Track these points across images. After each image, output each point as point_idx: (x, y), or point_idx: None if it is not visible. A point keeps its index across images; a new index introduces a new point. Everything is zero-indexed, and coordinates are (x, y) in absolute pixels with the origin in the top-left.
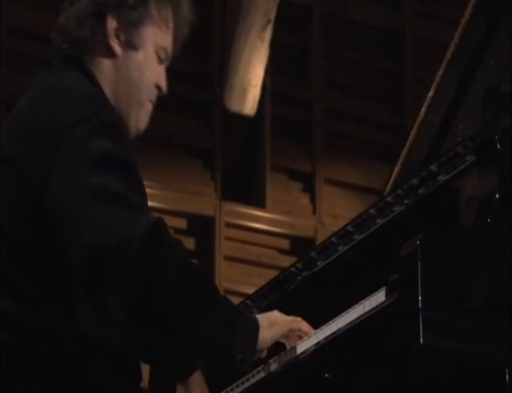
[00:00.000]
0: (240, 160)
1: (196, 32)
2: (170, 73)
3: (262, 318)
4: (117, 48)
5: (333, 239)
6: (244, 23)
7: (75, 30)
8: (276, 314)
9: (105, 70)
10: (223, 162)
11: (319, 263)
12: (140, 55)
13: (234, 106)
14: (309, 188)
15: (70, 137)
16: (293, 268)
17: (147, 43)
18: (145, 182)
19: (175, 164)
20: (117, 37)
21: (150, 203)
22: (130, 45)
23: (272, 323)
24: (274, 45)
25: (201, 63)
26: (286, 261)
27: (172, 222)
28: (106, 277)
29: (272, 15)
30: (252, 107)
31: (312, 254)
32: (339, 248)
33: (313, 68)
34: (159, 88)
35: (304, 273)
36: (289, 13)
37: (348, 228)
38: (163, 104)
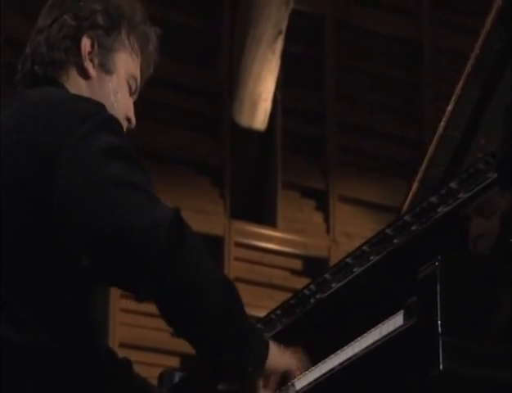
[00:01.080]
0: (250, 176)
1: (204, 43)
2: (177, 86)
3: (273, 344)
4: (91, 70)
5: (348, 260)
6: (255, 34)
7: (48, 53)
8: (284, 348)
9: (79, 90)
10: (232, 179)
11: (333, 285)
12: (113, 79)
13: (244, 120)
14: (322, 206)
15: (74, 135)
16: (306, 291)
17: (120, 69)
18: None
19: (181, 181)
20: (91, 60)
21: None
22: (104, 69)
23: (282, 352)
24: (285, 56)
25: (210, 75)
26: (299, 283)
27: None
28: (135, 263)
29: (284, 26)
30: (262, 121)
31: (326, 275)
32: (355, 269)
33: (326, 80)
34: (128, 119)
35: (318, 296)
36: (301, 23)
37: (364, 248)
38: (168, 118)
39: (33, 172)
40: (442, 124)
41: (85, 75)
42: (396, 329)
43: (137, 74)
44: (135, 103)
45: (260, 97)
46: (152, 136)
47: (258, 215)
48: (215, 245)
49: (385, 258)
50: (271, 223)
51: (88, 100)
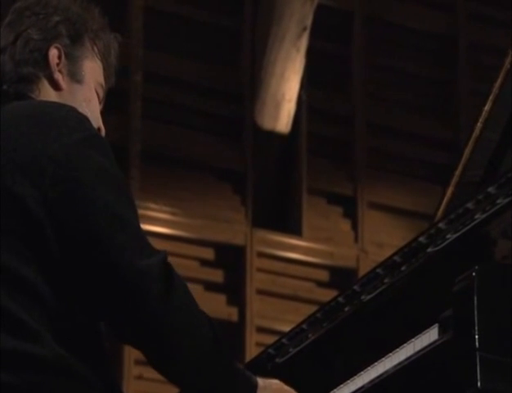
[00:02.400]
0: (274, 182)
1: (224, 41)
2: (195, 87)
3: (263, 383)
4: (61, 81)
5: (378, 270)
6: (278, 31)
7: (15, 70)
8: (275, 382)
9: None
10: (255, 185)
11: (363, 297)
12: (84, 88)
13: (266, 122)
14: (350, 213)
15: (62, 152)
16: (333, 303)
17: (88, 78)
18: (168, 208)
19: (201, 188)
20: (60, 71)
21: (173, 231)
22: (74, 78)
23: (267, 386)
24: (310, 55)
25: (230, 76)
26: (325, 295)
27: (198, 252)
28: (121, 308)
29: (308, 22)
30: (286, 124)
31: (355, 287)
32: (385, 280)
33: (354, 79)
34: (99, 129)
35: (346, 309)
36: (327, 19)
37: (395, 257)
38: (187, 121)
39: (21, 184)
40: (479, 124)
41: (56, 87)
42: (430, 344)
43: (103, 81)
44: (154, 105)
45: (283, 97)
46: (167, 140)
47: (282, 224)
48: (236, 255)
49: (418, 268)
50: (296, 231)
51: (72, 112)
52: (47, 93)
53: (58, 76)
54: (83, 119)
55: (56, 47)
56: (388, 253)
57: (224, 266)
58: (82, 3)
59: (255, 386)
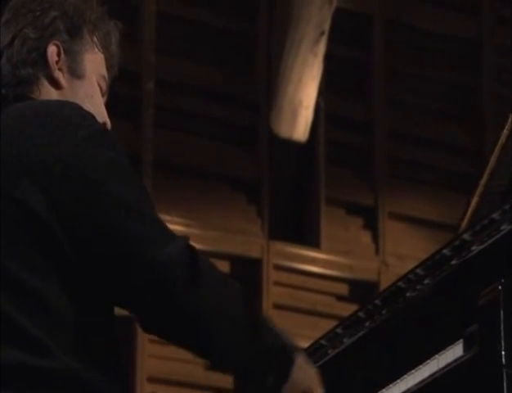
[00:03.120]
0: (291, 192)
1: (239, 46)
2: (209, 94)
3: (299, 356)
4: (62, 79)
5: (400, 284)
6: (295, 35)
7: (14, 73)
8: (311, 368)
9: None
10: (271, 196)
11: (384, 311)
12: (86, 83)
13: (283, 130)
14: (371, 224)
15: (72, 149)
16: (353, 318)
17: (89, 72)
18: (181, 220)
19: (215, 198)
20: (60, 69)
21: None
22: (75, 75)
23: (302, 368)
24: (328, 60)
25: (245, 82)
26: (345, 309)
27: None
28: (153, 299)
29: (326, 26)
30: (303, 132)
31: (376, 301)
32: (408, 294)
33: (374, 85)
34: (104, 123)
35: (367, 324)
36: (345, 23)
37: (418, 270)
38: (200, 130)
39: (26, 189)
40: (505, 131)
41: (57, 86)
42: (455, 360)
43: (105, 72)
44: (167, 113)
45: (301, 104)
46: (181, 149)
47: (300, 235)
48: (252, 268)
49: (442, 281)
50: (314, 243)
51: (76, 109)
52: (48, 93)
53: (58, 74)
54: (87, 115)
55: (55, 44)
56: (410, 266)
57: (240, 279)
58: None
59: (292, 362)
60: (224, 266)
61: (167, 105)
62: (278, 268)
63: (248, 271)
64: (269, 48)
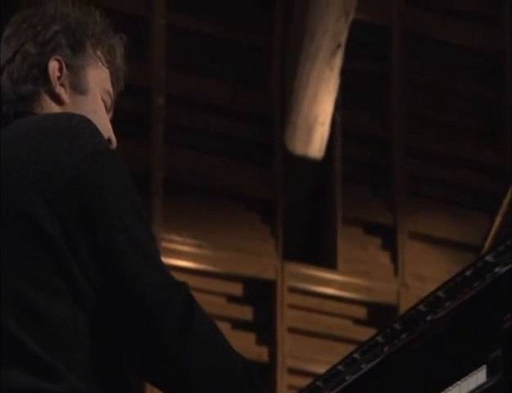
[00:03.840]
0: (306, 211)
1: (252, 61)
2: (221, 110)
3: None
4: (64, 95)
5: (420, 307)
6: (310, 48)
7: (14, 90)
8: None
9: None
10: (285, 215)
11: (404, 336)
12: (89, 99)
13: (298, 147)
14: (390, 244)
15: (80, 167)
16: (371, 342)
17: (93, 87)
18: (193, 241)
19: (228, 218)
20: (62, 84)
21: (198, 265)
22: (77, 90)
23: None
24: (345, 74)
25: (258, 98)
26: (363, 333)
27: (225, 287)
28: (146, 343)
29: (343, 39)
30: (319, 149)
31: (396, 325)
32: (428, 318)
33: (392, 100)
34: (109, 140)
35: (386, 348)
36: (362, 35)
37: (439, 293)
38: (212, 147)
39: (32, 202)
40: None
41: (59, 101)
42: (478, 387)
43: (110, 87)
44: (177, 130)
45: (316, 120)
46: (192, 167)
47: (315, 256)
48: (266, 290)
49: (464, 304)
50: (331, 264)
51: (83, 122)
52: (51, 109)
53: (60, 90)
54: (95, 132)
55: (56, 59)
56: (431, 288)
57: (253, 302)
58: (81, 7)
59: None
60: (237, 288)
61: (177, 121)
62: (293, 290)
63: (261, 293)
64: (283, 62)
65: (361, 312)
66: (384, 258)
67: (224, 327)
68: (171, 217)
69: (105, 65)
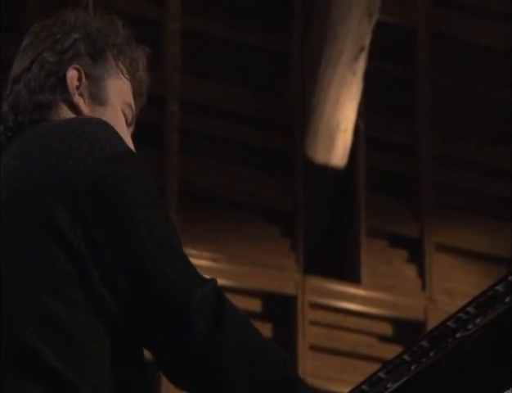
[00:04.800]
0: (328, 223)
1: (271, 65)
2: (238, 117)
3: None
4: (82, 105)
5: (449, 323)
6: (331, 52)
7: (30, 98)
8: None
9: None
10: (306, 227)
11: (431, 354)
12: (108, 110)
13: (319, 155)
14: (416, 257)
15: (98, 171)
16: (397, 361)
17: (112, 98)
18: (209, 254)
19: (246, 230)
20: (80, 94)
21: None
22: (96, 100)
23: None
24: (369, 78)
25: (277, 104)
26: (388, 351)
27: (243, 303)
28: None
29: (366, 41)
30: (341, 157)
31: (423, 342)
32: (458, 335)
33: (419, 105)
34: None
35: (413, 367)
36: (387, 37)
37: (469, 308)
38: (229, 156)
39: (53, 207)
40: None
41: (77, 111)
42: None
43: (132, 100)
44: (192, 138)
45: (338, 127)
46: (207, 177)
47: (338, 270)
48: (286, 306)
49: (495, 321)
50: (354, 278)
51: (103, 125)
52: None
53: (78, 100)
54: (115, 134)
55: (75, 68)
56: (460, 303)
57: (272, 319)
58: (103, 17)
59: None
60: (256, 304)
61: (193, 129)
62: (314, 305)
63: (281, 309)
64: (303, 67)
65: (386, 329)
66: (411, 271)
67: None
68: (186, 229)
69: (127, 77)
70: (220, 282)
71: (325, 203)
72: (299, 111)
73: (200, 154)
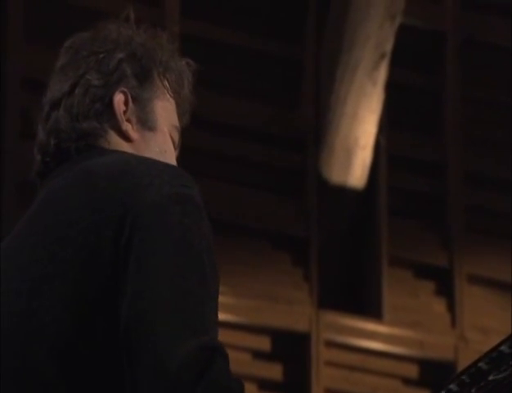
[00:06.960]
0: (345, 251)
1: (282, 75)
2: (246, 133)
3: None
4: (131, 132)
5: (481, 364)
6: (349, 60)
7: (72, 126)
8: None
9: None
10: (321, 255)
11: None
12: (158, 135)
13: (335, 175)
14: (445, 290)
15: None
16: None
17: (161, 123)
18: None
19: (254, 259)
20: (128, 120)
21: (220, 315)
22: (145, 126)
23: None
24: (390, 88)
25: (288, 117)
26: None
27: (251, 341)
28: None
29: (388, 47)
30: (360, 176)
31: (452, 386)
32: (491, 377)
33: (447, 119)
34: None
35: None
36: (411, 43)
37: (503, 348)
38: (235, 176)
39: (104, 237)
40: None
41: (127, 138)
42: None
43: (177, 122)
44: (196, 155)
45: (357, 143)
46: (213, 199)
47: (357, 304)
48: (299, 344)
49: None
50: (375, 314)
51: (172, 167)
52: (118, 146)
53: (127, 127)
54: (184, 176)
55: (122, 92)
56: (494, 341)
57: (283, 358)
58: (146, 30)
59: None
60: (264, 342)
61: (196, 145)
62: (330, 344)
63: (293, 348)
64: (318, 77)
65: (411, 370)
66: (439, 306)
67: (250, 389)
68: None
69: (172, 95)
70: (224, 317)
71: (342, 228)
72: (313, 126)
73: (204, 173)
